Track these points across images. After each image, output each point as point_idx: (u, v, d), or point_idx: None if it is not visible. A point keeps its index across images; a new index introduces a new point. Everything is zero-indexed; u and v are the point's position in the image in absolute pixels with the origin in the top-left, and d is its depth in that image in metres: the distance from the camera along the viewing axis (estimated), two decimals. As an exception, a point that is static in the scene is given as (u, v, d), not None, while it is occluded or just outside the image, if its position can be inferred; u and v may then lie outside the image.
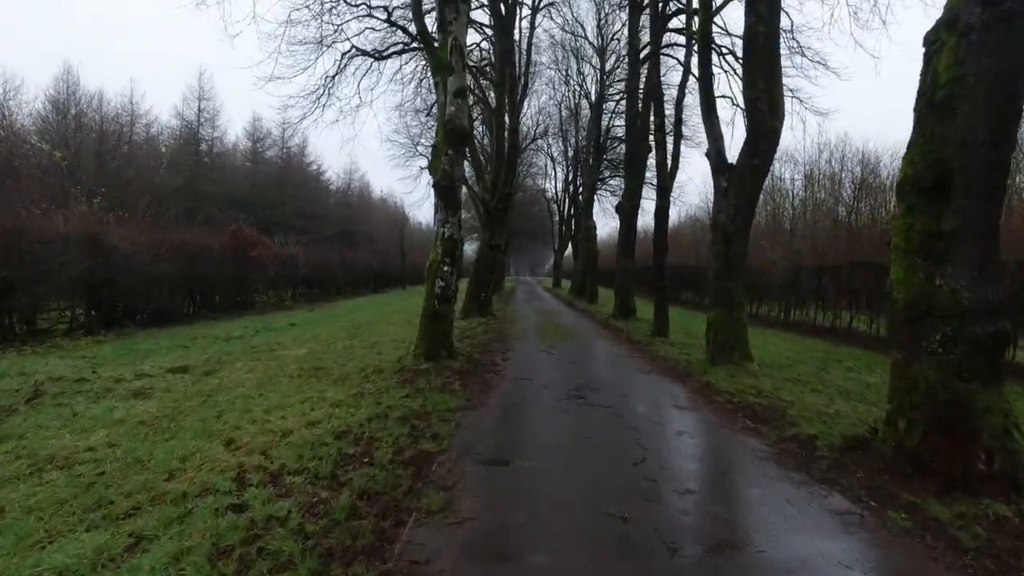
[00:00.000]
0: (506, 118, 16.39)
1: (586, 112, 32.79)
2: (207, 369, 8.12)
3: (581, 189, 31.30)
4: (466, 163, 27.83)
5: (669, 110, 13.62)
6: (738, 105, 17.49)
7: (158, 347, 10.34)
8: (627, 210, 16.03)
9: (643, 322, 15.66)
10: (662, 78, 15.67)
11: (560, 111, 34.77)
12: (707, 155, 8.92)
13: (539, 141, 39.06)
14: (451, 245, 8.20)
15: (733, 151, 8.73)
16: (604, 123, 27.75)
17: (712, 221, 8.70)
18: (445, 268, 8.19)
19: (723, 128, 9.19)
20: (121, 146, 32.90)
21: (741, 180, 8.26)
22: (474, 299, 16.36)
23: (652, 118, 12.03)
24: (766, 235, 31.91)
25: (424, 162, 30.98)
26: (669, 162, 12.27)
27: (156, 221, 25.34)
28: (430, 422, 5.21)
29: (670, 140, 12.56)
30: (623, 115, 28.31)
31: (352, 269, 31.87)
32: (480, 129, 30.73)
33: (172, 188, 28.79)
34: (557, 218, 47.28)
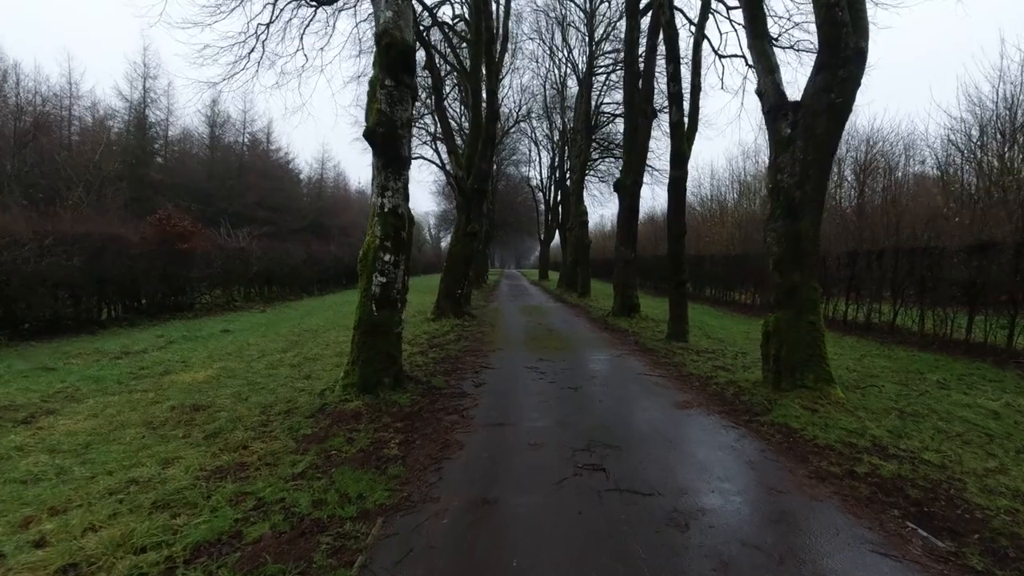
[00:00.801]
0: (483, 79, 13.69)
1: (572, 90, 30.22)
2: (30, 413, 5.43)
3: (569, 172, 28.74)
4: (439, 141, 25.07)
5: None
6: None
7: (8, 372, 7.58)
8: (628, 188, 13.46)
9: (649, 321, 13.19)
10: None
11: (544, 89, 32.15)
12: (758, 93, 6.36)
13: (522, 124, 36.52)
14: (394, 223, 5.55)
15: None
16: (594, 99, 25.16)
17: (769, 185, 6.16)
18: (386, 257, 5.54)
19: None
20: (57, 130, 29.52)
21: (812, 125, 5.73)
22: (448, 296, 13.72)
23: (666, 65, 9.46)
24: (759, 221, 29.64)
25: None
26: (686, 122, 9.69)
27: (88, 212, 22.28)
28: (312, 559, 2.60)
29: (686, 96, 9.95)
30: (615, 88, 25.82)
31: (320, 264, 28.94)
32: (458, 108, 28.05)
33: (113, 176, 25.53)
34: (543, 207, 44.66)
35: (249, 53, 11.88)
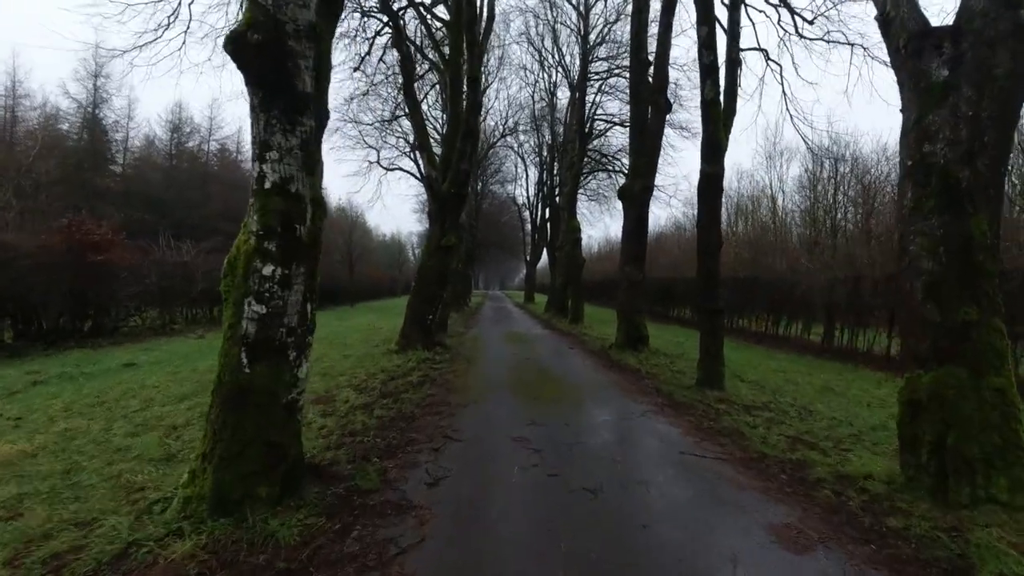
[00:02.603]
0: (463, 64, 11.47)
1: (562, 101, 28.40)
2: None
3: (559, 187, 26.65)
4: (418, 152, 22.81)
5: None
6: (771, 59, 13.10)
7: None
8: (636, 196, 11.20)
9: (662, 357, 10.82)
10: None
11: (533, 100, 30.32)
12: (880, 19, 4.10)
13: (508, 138, 34.63)
14: (283, 209, 3.13)
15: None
16: (587, 108, 23.15)
17: (908, 162, 3.85)
18: (266, 270, 3.10)
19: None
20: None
21: (987, 61, 3.49)
22: (416, 322, 11.23)
23: (697, 30, 7.25)
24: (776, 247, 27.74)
25: (372, 155, 25.86)
26: (722, 101, 7.45)
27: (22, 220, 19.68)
28: None
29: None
30: (610, 95, 23.92)
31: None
32: (437, 117, 25.95)
33: (48, 181, 22.76)
34: (529, 226, 42.57)
35: (171, 18, 9.49)
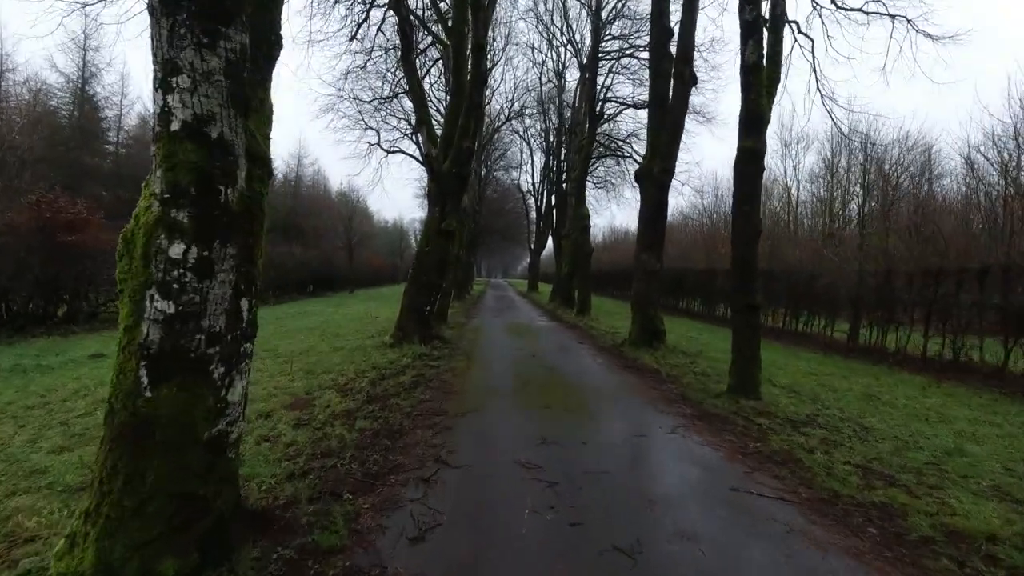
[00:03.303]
0: (467, 32, 10.41)
1: (571, 83, 27.19)
2: None
3: (566, 172, 25.56)
4: (408, 106, 21.57)
5: None
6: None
7: None
8: (655, 177, 10.17)
9: (680, 355, 9.87)
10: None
11: (540, 81, 29.10)
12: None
13: (513, 122, 33.38)
14: (203, 160, 2.17)
15: None
16: (597, 90, 21.98)
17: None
18: (175, 251, 2.15)
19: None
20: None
21: None
22: (413, 312, 10.29)
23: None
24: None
25: (372, 136, 24.80)
26: (764, 66, 6.40)
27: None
28: None
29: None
30: (622, 77, 22.78)
31: (282, 269, 25.27)
32: (442, 100, 24.82)
33: (33, 159, 21.78)
34: (534, 214, 41.46)
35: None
